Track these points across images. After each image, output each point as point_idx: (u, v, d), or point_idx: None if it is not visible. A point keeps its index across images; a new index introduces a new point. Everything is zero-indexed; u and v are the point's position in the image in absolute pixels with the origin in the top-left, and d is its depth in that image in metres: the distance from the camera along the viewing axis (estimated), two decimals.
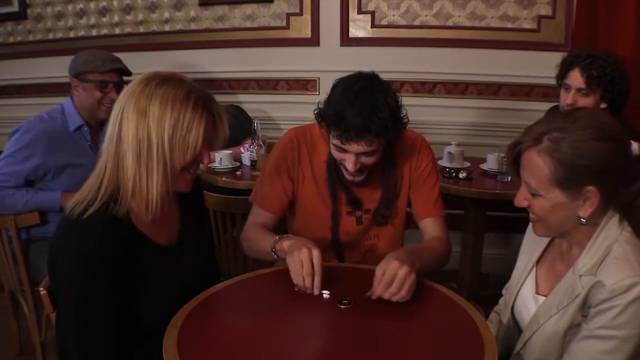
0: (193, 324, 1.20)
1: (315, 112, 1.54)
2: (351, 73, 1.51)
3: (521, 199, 1.23)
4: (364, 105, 1.40)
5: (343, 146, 1.45)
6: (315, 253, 1.30)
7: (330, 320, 1.28)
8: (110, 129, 1.24)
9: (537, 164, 1.16)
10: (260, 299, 1.37)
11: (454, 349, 1.16)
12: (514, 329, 1.39)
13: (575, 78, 2.11)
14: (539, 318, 1.25)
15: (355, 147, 1.44)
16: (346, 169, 1.51)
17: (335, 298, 1.30)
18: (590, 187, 1.13)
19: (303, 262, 1.29)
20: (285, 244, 1.39)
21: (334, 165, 1.60)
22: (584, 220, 1.17)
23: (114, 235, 1.20)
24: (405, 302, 1.26)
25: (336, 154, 1.52)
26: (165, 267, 1.31)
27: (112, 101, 2.17)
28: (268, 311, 1.30)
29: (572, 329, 1.19)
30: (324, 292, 1.32)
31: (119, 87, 2.20)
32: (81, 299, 1.20)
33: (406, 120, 1.52)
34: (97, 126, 2.27)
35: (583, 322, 1.17)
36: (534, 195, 1.19)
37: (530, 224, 1.31)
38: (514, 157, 1.23)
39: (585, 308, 1.17)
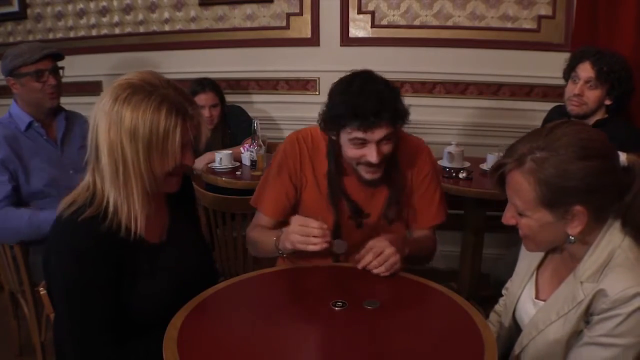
0: (193, 324, 1.20)
1: (319, 122, 1.55)
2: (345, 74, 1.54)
3: (509, 218, 1.21)
4: (371, 94, 1.44)
5: (365, 136, 1.46)
6: (299, 219, 1.41)
7: (330, 320, 1.27)
8: (89, 140, 1.23)
9: (522, 186, 1.14)
10: (260, 299, 1.38)
11: (454, 349, 1.16)
12: (515, 333, 1.37)
13: (586, 69, 2.14)
14: (538, 324, 1.23)
15: (377, 133, 1.46)
16: (368, 165, 1.52)
17: (329, 299, 1.30)
18: (578, 207, 1.11)
19: (303, 231, 1.38)
20: (287, 243, 1.45)
21: (335, 177, 1.61)
22: (573, 239, 1.16)
23: (105, 235, 1.20)
24: (405, 302, 1.26)
25: (355, 152, 1.51)
26: (157, 264, 1.31)
27: (53, 87, 2.16)
28: (268, 311, 1.30)
29: (575, 336, 1.17)
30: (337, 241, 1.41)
31: (55, 72, 2.18)
32: (75, 298, 1.21)
33: (409, 108, 1.53)
34: (48, 120, 2.23)
35: (585, 329, 1.16)
36: (520, 215, 1.18)
37: None
38: (498, 178, 1.20)
39: (587, 315, 1.15)
